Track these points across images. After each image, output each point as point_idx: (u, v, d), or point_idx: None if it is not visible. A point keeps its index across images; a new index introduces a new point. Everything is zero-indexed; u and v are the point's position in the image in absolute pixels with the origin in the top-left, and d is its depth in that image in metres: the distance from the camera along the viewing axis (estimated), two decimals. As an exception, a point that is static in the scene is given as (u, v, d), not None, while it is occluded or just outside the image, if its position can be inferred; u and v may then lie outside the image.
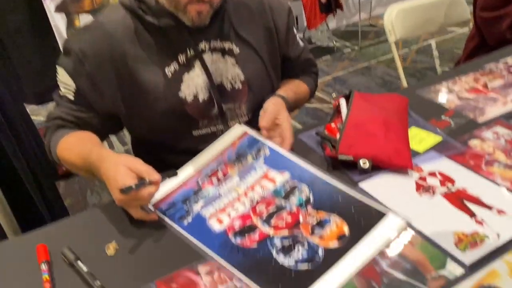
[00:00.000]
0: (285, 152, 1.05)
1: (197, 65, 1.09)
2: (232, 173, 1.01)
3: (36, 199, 1.77)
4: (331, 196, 0.95)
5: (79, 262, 0.84)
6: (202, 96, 1.11)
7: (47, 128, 1.11)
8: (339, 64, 3.82)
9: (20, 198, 1.77)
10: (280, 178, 1.00)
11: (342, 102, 1.19)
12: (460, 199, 0.92)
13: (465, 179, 0.97)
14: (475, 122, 1.16)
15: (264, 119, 1.07)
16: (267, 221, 0.90)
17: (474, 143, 1.08)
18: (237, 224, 0.89)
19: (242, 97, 1.17)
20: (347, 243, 0.84)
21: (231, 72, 1.13)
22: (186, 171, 1.03)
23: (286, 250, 0.83)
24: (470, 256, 0.78)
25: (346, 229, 0.87)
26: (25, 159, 1.79)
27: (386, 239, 0.84)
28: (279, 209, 0.92)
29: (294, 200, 0.94)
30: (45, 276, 0.82)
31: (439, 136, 1.11)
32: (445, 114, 1.20)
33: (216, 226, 0.89)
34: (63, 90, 1.08)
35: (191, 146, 1.12)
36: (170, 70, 1.08)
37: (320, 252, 0.82)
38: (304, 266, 0.80)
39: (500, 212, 0.87)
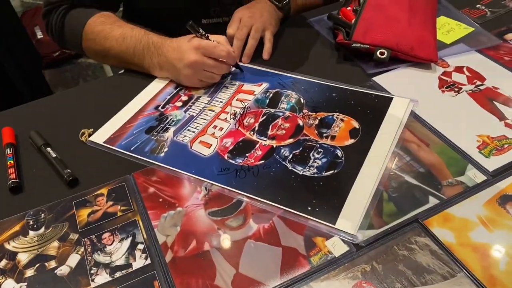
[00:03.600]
0: (254, 65, 0.90)
1: None
2: (197, 94, 0.85)
3: (20, 88, 1.66)
4: (324, 95, 0.82)
5: (48, 148, 0.74)
6: None
7: (54, 6, 0.92)
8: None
9: (5, 89, 1.65)
10: (258, 88, 0.86)
11: (362, -19, 1.00)
12: (489, 99, 0.79)
13: (498, 76, 0.83)
14: (515, 13, 0.99)
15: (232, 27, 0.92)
16: (262, 133, 0.76)
17: (511, 36, 0.93)
18: (229, 143, 0.75)
19: None
20: (364, 137, 0.73)
21: None
22: (136, 100, 0.85)
23: (300, 160, 0.70)
24: (494, 162, 0.68)
25: (355, 123, 0.76)
26: (7, 47, 1.64)
27: (401, 123, 0.74)
28: (271, 117, 0.79)
29: (284, 106, 0.81)
30: (10, 161, 0.72)
31: (470, 27, 0.95)
32: (481, 2, 1.02)
33: (205, 151, 0.74)
34: None
35: None
36: None
37: (339, 153, 0.71)
38: (329, 172, 0.68)
39: (535, 115, 0.75)
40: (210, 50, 0.79)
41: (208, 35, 0.82)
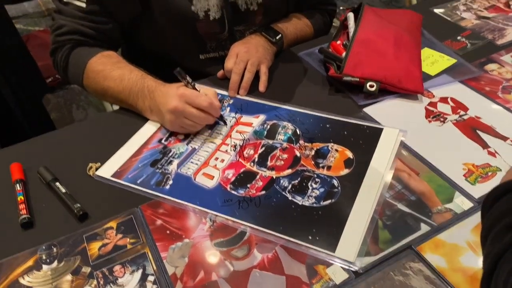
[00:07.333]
0: (250, 98, 0.95)
1: None
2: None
3: (18, 114, 1.68)
4: (318, 126, 0.87)
5: (57, 183, 0.77)
6: (214, 14, 1.00)
7: (60, 44, 0.97)
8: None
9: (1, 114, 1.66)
10: (256, 120, 0.90)
11: (350, 16, 1.07)
12: (472, 128, 0.85)
13: (479, 106, 0.89)
14: (493, 45, 1.06)
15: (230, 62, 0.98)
16: (262, 164, 0.80)
17: (491, 67, 0.99)
18: (231, 174, 0.79)
19: (255, 20, 1.06)
20: (358, 166, 0.78)
21: None
22: (140, 134, 0.89)
23: (299, 190, 0.75)
24: (480, 190, 0.73)
25: (349, 153, 0.80)
26: (6, 73, 1.65)
27: (391, 152, 0.80)
28: (270, 148, 0.83)
29: (281, 137, 0.86)
30: (20, 196, 0.75)
31: (453, 59, 1.01)
32: (462, 34, 1.09)
33: (208, 183, 0.78)
34: None
35: (197, 68, 1.03)
36: None
37: (336, 183, 0.76)
38: (327, 201, 0.73)
39: (515, 143, 0.81)
40: (192, 99, 0.82)
41: (196, 83, 0.85)
